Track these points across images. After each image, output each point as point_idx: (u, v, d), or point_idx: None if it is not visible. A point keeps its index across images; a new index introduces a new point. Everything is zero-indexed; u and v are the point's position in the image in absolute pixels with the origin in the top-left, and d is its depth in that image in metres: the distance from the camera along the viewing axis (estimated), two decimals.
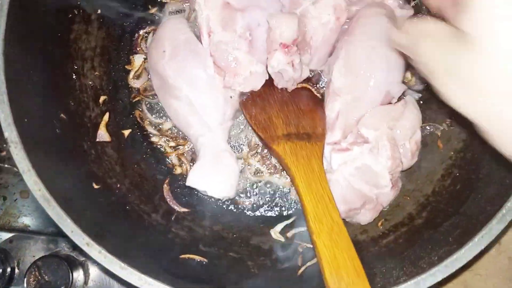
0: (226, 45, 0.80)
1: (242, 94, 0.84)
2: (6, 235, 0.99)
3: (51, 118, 0.76)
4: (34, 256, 0.97)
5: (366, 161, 0.77)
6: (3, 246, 0.98)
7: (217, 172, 0.79)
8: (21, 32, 0.72)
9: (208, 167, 0.79)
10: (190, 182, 0.79)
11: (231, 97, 0.82)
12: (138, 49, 0.93)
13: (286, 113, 0.82)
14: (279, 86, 0.84)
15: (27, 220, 1.02)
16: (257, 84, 0.83)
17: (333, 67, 0.83)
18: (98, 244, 0.64)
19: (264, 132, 0.81)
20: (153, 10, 0.94)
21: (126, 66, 0.92)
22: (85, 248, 0.64)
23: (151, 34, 0.92)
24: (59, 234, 0.99)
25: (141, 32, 0.93)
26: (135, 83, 0.92)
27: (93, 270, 0.97)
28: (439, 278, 0.63)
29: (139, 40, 0.93)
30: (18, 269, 0.98)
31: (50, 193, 0.65)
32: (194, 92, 0.81)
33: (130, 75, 0.92)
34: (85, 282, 0.97)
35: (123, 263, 0.63)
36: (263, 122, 0.82)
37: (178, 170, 0.90)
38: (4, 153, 1.03)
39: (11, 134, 0.67)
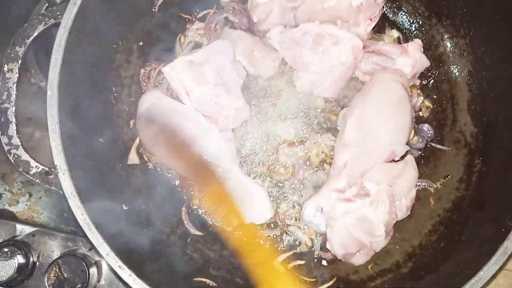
0: (206, 97, 0.88)
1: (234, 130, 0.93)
2: (29, 229, 1.05)
3: (92, 143, 0.84)
4: (53, 251, 1.03)
5: (365, 213, 0.86)
6: (26, 240, 1.04)
7: (251, 203, 0.88)
8: (71, 69, 0.80)
9: (243, 202, 0.88)
10: None
11: (230, 139, 0.91)
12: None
13: None
14: None
15: (49, 218, 1.09)
16: (244, 116, 0.93)
17: (346, 122, 0.91)
18: (129, 267, 0.73)
19: None
20: None
21: None
22: (117, 270, 0.72)
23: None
24: (77, 233, 1.06)
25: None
26: None
27: (105, 269, 1.04)
28: None
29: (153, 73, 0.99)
30: (38, 261, 1.04)
31: (90, 218, 0.74)
32: (201, 148, 0.89)
33: None
34: (98, 280, 1.04)
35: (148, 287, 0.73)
36: None
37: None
38: None
39: (61, 162, 0.75)
